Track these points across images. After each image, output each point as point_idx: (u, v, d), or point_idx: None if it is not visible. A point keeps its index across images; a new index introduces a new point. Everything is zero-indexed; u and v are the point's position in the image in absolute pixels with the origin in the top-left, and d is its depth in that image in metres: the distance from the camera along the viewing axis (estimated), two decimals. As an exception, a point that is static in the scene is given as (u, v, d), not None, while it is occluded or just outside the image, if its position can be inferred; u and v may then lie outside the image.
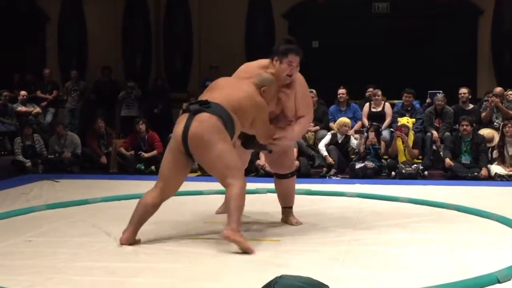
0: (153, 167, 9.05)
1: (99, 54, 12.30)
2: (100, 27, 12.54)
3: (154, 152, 9.12)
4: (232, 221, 4.25)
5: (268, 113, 4.71)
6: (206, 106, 4.39)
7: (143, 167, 9.00)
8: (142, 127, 9.15)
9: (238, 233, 4.24)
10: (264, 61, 4.88)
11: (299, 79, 4.95)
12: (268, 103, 4.68)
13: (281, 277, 2.72)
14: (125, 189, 7.02)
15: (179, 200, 6.40)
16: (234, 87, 4.60)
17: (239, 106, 4.46)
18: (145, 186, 7.13)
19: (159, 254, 4.21)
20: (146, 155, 9.05)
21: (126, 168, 9.03)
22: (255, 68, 4.83)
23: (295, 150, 8.58)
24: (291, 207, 5.20)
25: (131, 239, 4.44)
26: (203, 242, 4.53)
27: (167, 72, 12.42)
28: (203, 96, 4.60)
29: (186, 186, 7.20)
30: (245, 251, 4.18)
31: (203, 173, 8.96)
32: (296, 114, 4.90)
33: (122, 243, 4.42)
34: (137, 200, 6.20)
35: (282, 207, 5.21)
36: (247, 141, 4.91)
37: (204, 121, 4.32)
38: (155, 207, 4.56)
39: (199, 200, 6.41)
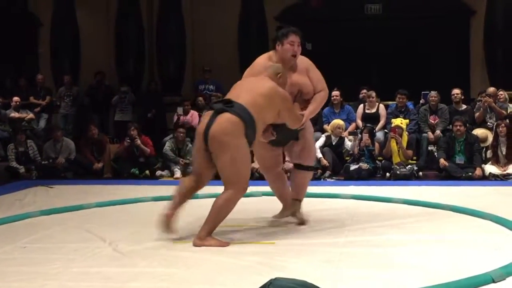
0: (147, 172, 9.06)
1: (92, 59, 12.27)
2: (93, 32, 12.52)
3: (147, 150, 9.07)
4: (203, 229, 4.53)
5: (291, 100, 4.81)
6: (229, 106, 4.49)
7: (137, 171, 8.99)
8: (133, 133, 9.12)
9: (207, 237, 4.50)
10: (268, 53, 5.04)
11: (305, 59, 5.10)
12: (284, 88, 4.81)
13: (276, 279, 2.72)
14: (119, 194, 7.01)
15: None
16: (255, 86, 4.70)
17: (262, 104, 4.57)
18: (139, 191, 7.19)
19: (155, 259, 4.19)
20: (138, 142, 8.98)
21: (120, 173, 9.01)
22: (263, 62, 4.96)
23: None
24: (300, 201, 5.26)
25: (171, 215, 4.67)
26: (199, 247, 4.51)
27: (161, 76, 12.40)
28: (228, 95, 4.73)
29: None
30: (222, 246, 4.44)
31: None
32: (314, 91, 5.03)
33: (165, 216, 4.64)
34: (132, 205, 6.32)
35: (293, 199, 5.25)
36: (280, 140, 4.98)
37: (225, 122, 4.44)
38: (191, 192, 4.81)
39: (194, 204, 6.37)
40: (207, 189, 7.22)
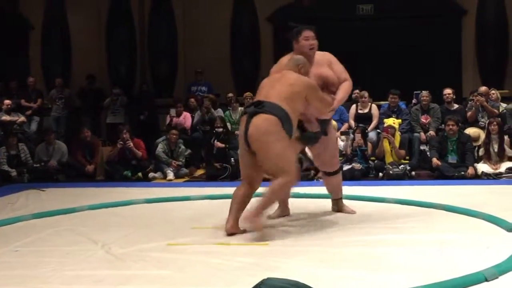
0: (139, 174, 9.03)
1: (83, 61, 12.24)
2: (84, 34, 12.48)
3: (139, 153, 9.05)
4: (255, 208, 4.71)
5: (316, 86, 5.01)
6: (261, 106, 4.72)
7: (130, 174, 8.96)
8: (126, 136, 9.09)
9: (257, 218, 4.68)
10: (285, 57, 5.29)
11: (327, 54, 5.39)
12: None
13: (267, 279, 2.71)
14: (112, 196, 6.98)
15: (166, 206, 6.41)
16: (279, 81, 4.89)
17: (292, 97, 4.78)
18: (132, 193, 7.18)
19: (147, 261, 4.18)
20: (131, 145, 8.96)
21: (113, 176, 8.98)
22: (286, 59, 5.19)
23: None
24: (341, 198, 5.69)
25: (235, 227, 4.80)
26: (191, 248, 4.50)
27: (153, 78, 12.38)
28: (257, 97, 4.95)
29: (173, 192, 7.25)
30: (258, 234, 4.65)
31: (191, 179, 8.97)
32: (339, 81, 5.26)
33: (229, 232, 4.77)
34: (125, 207, 6.30)
35: (333, 199, 5.71)
36: (306, 139, 5.20)
37: (261, 123, 4.67)
38: (248, 197, 4.91)
39: (187, 206, 6.39)
40: (199, 191, 7.27)
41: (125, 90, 11.51)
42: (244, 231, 4.82)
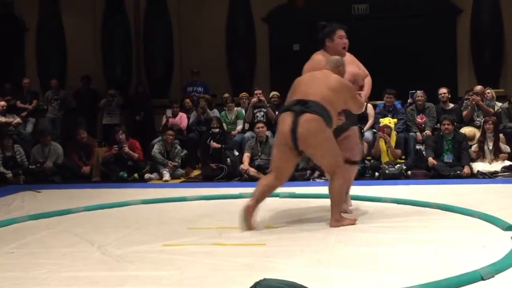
0: (136, 175, 9.02)
1: (79, 63, 12.21)
2: (79, 35, 12.45)
3: (135, 155, 9.05)
4: (334, 212, 5.11)
5: (354, 88, 5.27)
6: (307, 106, 4.95)
7: (126, 175, 8.95)
8: (122, 136, 9.09)
9: (341, 219, 5.11)
10: (318, 54, 5.49)
11: (347, 52, 5.59)
12: (343, 77, 5.27)
13: (264, 279, 2.72)
14: (108, 197, 6.98)
15: (162, 206, 6.41)
16: (321, 81, 5.10)
17: (332, 97, 5.03)
18: (128, 194, 7.17)
19: (144, 262, 4.17)
20: (127, 150, 8.95)
21: (109, 177, 8.97)
22: (320, 57, 5.39)
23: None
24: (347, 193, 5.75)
25: (251, 208, 5.03)
26: (188, 249, 4.49)
27: (148, 79, 12.36)
28: (295, 94, 5.14)
29: (170, 192, 7.25)
30: (353, 224, 5.10)
31: (187, 179, 8.97)
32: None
33: (245, 210, 5.01)
34: (121, 208, 6.31)
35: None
36: (341, 126, 5.36)
37: (309, 122, 4.93)
38: (273, 187, 5.19)
39: (183, 206, 6.38)
40: (195, 191, 7.27)
41: (121, 91, 11.50)
42: (254, 228, 5.02)
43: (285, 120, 5.02)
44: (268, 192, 5.17)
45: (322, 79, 5.11)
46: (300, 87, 5.17)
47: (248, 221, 5.02)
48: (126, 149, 8.96)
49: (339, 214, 5.15)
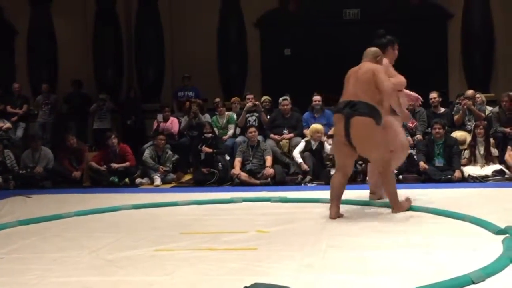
0: (127, 180, 8.99)
1: (70, 67, 12.17)
2: (70, 40, 12.41)
3: (127, 164, 9.04)
4: (392, 202, 5.76)
5: (382, 71, 5.78)
6: (355, 109, 5.54)
7: (116, 179, 8.92)
8: (115, 141, 9.07)
9: (400, 205, 5.74)
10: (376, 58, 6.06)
11: None
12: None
13: (255, 284, 2.71)
14: (98, 202, 6.95)
15: (154, 211, 6.39)
16: (360, 78, 5.70)
17: (373, 90, 5.60)
18: (119, 199, 7.14)
19: (135, 267, 4.16)
20: (117, 165, 8.97)
21: (100, 182, 8.94)
22: (370, 59, 5.95)
23: (270, 158, 8.60)
24: None
25: (337, 213, 5.64)
26: (179, 254, 4.48)
27: (140, 83, 12.34)
28: (345, 93, 5.77)
29: (161, 197, 7.23)
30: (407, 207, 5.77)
31: (179, 184, 8.95)
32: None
33: (332, 217, 5.58)
34: (112, 213, 6.30)
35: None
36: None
37: (359, 124, 5.53)
38: (344, 183, 5.77)
39: (174, 211, 6.37)
40: (186, 196, 7.25)
41: (112, 96, 11.47)
42: (342, 215, 5.65)
43: (338, 122, 5.69)
44: (342, 189, 5.74)
45: (360, 76, 5.71)
46: (348, 86, 5.77)
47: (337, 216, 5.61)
48: (114, 166, 8.95)
49: (397, 202, 5.74)
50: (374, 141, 5.60)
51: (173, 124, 10.15)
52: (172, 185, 8.88)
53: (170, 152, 9.28)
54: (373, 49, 6.01)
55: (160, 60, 12.31)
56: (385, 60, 6.12)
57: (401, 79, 6.17)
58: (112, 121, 11.20)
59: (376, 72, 5.69)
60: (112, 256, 4.45)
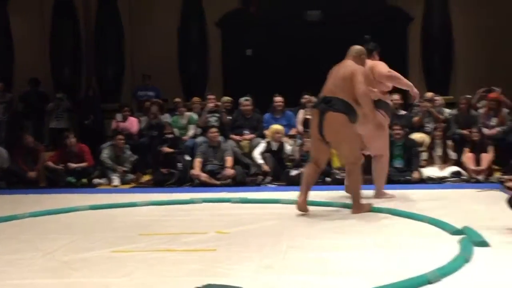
0: (84, 180, 8.84)
1: (26, 65, 11.92)
2: (27, 37, 12.16)
3: (84, 164, 8.90)
4: (354, 202, 5.85)
5: (360, 72, 5.89)
6: (330, 105, 5.68)
7: (73, 180, 8.76)
8: (73, 140, 8.92)
9: (360, 207, 5.82)
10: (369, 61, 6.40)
11: None
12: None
13: (208, 285, 2.66)
14: (55, 203, 6.81)
15: (112, 212, 6.30)
16: (338, 75, 5.85)
17: (349, 87, 5.72)
18: (76, 200, 7.02)
19: (91, 269, 4.09)
20: (74, 165, 8.82)
21: (56, 182, 8.76)
22: (353, 57, 6.08)
23: (231, 159, 8.56)
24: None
25: (304, 201, 5.77)
26: (138, 255, 4.42)
27: (99, 82, 12.16)
28: (324, 89, 5.88)
29: (119, 198, 7.13)
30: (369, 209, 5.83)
31: (138, 185, 8.84)
32: None
33: (299, 208, 5.73)
34: (68, 214, 6.18)
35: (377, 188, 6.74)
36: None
37: (333, 120, 5.67)
38: (316, 173, 5.92)
39: (133, 212, 6.28)
40: (145, 197, 7.17)
41: (70, 94, 11.26)
42: (307, 211, 5.76)
43: (314, 117, 5.85)
44: (311, 180, 5.85)
45: (338, 72, 5.85)
46: (327, 82, 5.90)
47: (304, 210, 5.76)
48: (71, 165, 8.80)
49: (359, 202, 5.83)
50: (346, 137, 5.72)
51: (132, 124, 10.03)
52: (131, 185, 8.78)
53: (129, 152, 9.16)
54: (358, 47, 6.13)
55: (120, 59, 12.16)
56: (371, 62, 6.37)
57: (403, 80, 6.55)
58: (70, 120, 11.01)
59: (355, 73, 5.78)
60: (67, 258, 4.36)
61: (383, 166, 6.72)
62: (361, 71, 5.90)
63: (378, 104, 6.28)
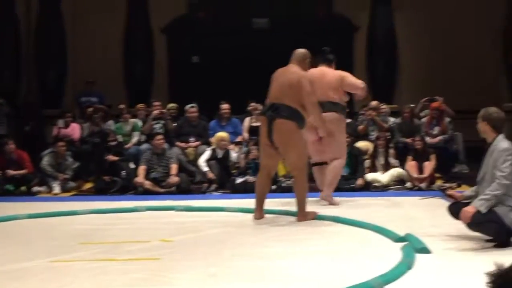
0: (23, 188, 8.57)
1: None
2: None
3: (23, 171, 8.64)
4: (299, 209, 5.86)
5: (306, 80, 5.90)
6: (277, 112, 5.72)
7: (12, 188, 8.48)
8: (12, 147, 8.64)
9: (305, 214, 5.83)
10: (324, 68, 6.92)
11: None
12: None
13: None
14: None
15: (51, 221, 6.13)
16: (284, 81, 5.84)
17: (296, 94, 5.76)
18: (14, 208, 6.79)
19: (29, 279, 3.97)
20: (13, 172, 8.56)
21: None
22: (298, 61, 6.08)
23: (176, 166, 8.46)
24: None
25: (261, 214, 5.89)
26: (78, 265, 4.31)
27: (40, 87, 11.84)
28: (270, 95, 5.91)
29: (59, 206, 6.93)
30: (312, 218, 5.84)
31: (79, 193, 8.63)
32: None
33: (256, 218, 5.85)
34: (5, 223, 6.00)
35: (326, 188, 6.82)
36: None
37: (281, 127, 5.71)
38: (268, 179, 6.04)
39: (74, 221, 6.11)
40: (87, 205, 7.00)
41: (9, 100, 10.92)
42: (262, 217, 5.88)
43: (262, 124, 5.88)
44: (265, 188, 5.95)
45: (284, 79, 5.85)
46: (272, 88, 5.90)
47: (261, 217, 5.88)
48: (10, 172, 8.52)
49: (304, 210, 5.83)
50: (294, 144, 5.75)
51: (74, 130, 9.80)
52: (72, 193, 8.57)
53: (70, 159, 8.95)
54: (302, 50, 6.12)
55: (62, 63, 11.86)
56: (339, 72, 6.89)
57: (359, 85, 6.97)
58: (9, 126, 10.67)
59: (302, 82, 5.81)
60: (4, 268, 4.22)
61: (336, 170, 6.84)
62: (307, 79, 5.92)
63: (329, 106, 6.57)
